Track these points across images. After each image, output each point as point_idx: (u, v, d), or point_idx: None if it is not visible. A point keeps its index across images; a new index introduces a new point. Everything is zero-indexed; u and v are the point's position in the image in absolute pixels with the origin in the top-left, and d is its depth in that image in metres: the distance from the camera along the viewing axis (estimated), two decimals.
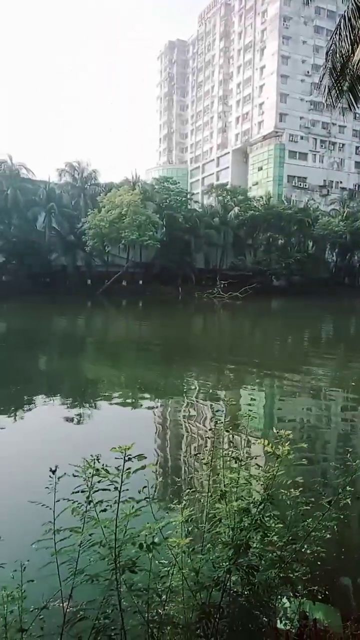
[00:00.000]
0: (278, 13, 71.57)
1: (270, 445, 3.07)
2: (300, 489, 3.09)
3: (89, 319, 34.45)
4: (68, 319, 32.73)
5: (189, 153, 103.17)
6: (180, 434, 9.29)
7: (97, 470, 2.67)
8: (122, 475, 2.58)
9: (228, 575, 2.41)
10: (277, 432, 3.17)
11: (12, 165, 51.78)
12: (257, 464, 3.57)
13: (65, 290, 49.02)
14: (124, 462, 2.63)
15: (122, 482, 2.58)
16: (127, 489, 2.72)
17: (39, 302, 40.24)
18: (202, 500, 3.30)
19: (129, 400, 11.86)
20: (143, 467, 2.76)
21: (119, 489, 2.59)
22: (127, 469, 2.69)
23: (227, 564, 2.35)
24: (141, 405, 11.44)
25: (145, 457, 2.74)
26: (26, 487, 6.00)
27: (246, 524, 2.40)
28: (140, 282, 55.85)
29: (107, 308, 42.34)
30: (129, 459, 2.67)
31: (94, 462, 2.75)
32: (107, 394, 12.62)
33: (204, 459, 3.38)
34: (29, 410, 10.73)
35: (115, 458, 2.75)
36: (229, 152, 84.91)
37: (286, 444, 3.03)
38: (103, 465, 2.74)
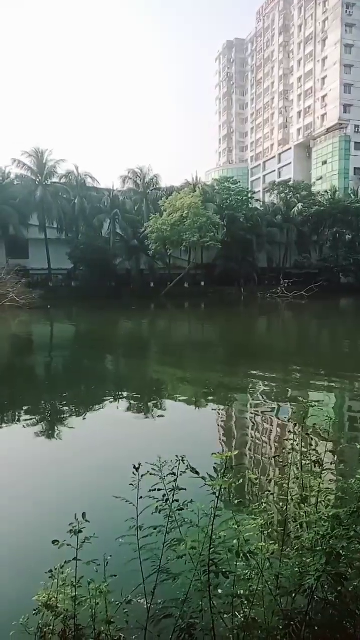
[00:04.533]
0: (340, 0, 68.94)
1: None
2: None
3: (154, 321, 35.04)
4: (134, 321, 33.51)
5: (249, 151, 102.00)
6: (251, 434, 9.17)
7: (196, 472, 2.69)
8: (220, 482, 2.58)
9: (316, 583, 2.33)
10: None
11: (79, 175, 54.13)
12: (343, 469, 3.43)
13: (130, 293, 50.33)
14: (224, 469, 2.64)
15: (220, 488, 2.59)
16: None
17: (105, 305, 41.58)
18: (281, 503, 3.22)
19: (198, 400, 11.90)
20: (240, 480, 2.76)
21: (217, 495, 2.60)
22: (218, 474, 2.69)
23: (316, 570, 2.27)
24: (210, 405, 11.44)
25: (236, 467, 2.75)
26: (112, 482, 6.14)
27: (341, 532, 2.31)
28: (202, 283, 55.99)
29: (170, 310, 42.82)
30: (230, 467, 2.68)
31: (180, 463, 2.77)
32: (177, 393, 12.76)
33: (282, 461, 3.31)
34: (104, 409, 11.08)
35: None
36: (290, 148, 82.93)
37: None
38: (187, 466, 2.76)
